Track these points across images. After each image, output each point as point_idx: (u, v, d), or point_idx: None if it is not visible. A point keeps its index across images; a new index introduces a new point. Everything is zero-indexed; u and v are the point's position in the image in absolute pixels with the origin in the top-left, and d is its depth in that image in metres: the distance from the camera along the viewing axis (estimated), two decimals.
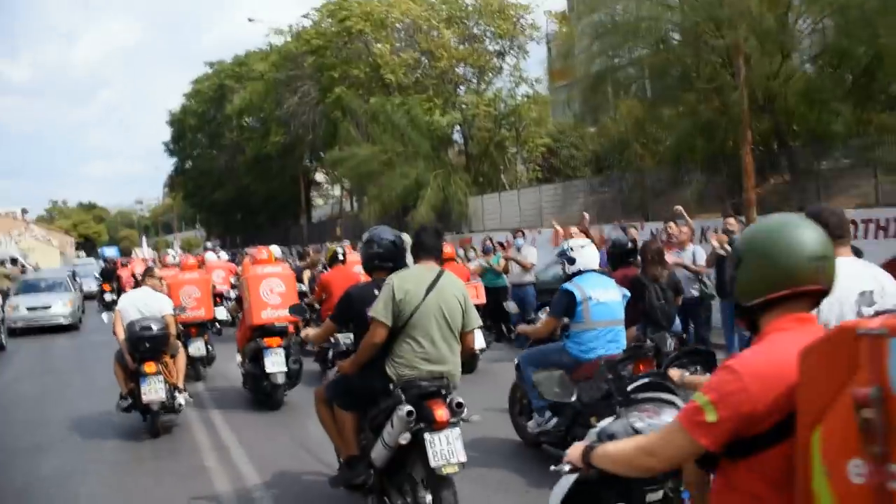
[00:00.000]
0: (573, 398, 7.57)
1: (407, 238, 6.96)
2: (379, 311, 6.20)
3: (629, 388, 5.09)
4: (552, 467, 3.52)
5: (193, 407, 12.17)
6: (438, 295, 6.29)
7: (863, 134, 22.49)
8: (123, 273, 30.91)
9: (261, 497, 8.05)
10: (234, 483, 8.55)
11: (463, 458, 5.91)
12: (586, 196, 30.69)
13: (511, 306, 13.04)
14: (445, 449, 5.83)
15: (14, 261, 62.73)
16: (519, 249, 19.29)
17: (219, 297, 18.58)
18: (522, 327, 9.32)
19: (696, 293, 13.60)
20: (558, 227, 15.56)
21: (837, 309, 4.41)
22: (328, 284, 12.28)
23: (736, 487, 2.78)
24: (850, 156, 22.49)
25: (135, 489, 8.72)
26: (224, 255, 28.76)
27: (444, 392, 6.22)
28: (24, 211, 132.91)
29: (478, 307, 7.34)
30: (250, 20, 46.40)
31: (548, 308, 8.61)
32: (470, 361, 13.15)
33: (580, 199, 30.73)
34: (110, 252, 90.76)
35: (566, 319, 8.03)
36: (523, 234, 20.40)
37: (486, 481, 7.60)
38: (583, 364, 7.78)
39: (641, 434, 3.61)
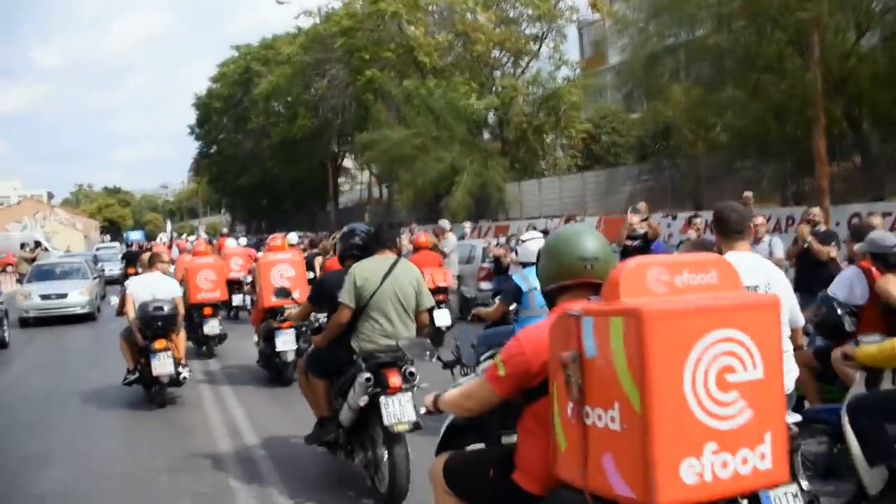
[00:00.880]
0: None
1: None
2: (343, 295, 7.21)
3: None
4: (421, 411, 4.56)
5: (207, 383, 13.46)
6: (393, 281, 7.26)
7: None
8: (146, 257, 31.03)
9: (264, 466, 8.66)
10: (238, 453, 9.21)
11: (413, 418, 6.83)
12: (633, 184, 29.19)
13: None
14: (398, 410, 6.85)
15: (38, 244, 61.95)
16: None
17: (236, 284, 19.48)
18: (478, 310, 9.75)
19: None
20: (631, 216, 14.31)
21: None
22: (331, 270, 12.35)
23: (524, 426, 3.78)
24: None
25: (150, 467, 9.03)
26: (244, 241, 28.86)
27: (399, 363, 7.15)
28: (49, 195, 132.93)
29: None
30: (279, 2, 45.16)
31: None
32: (436, 336, 13.55)
33: (626, 186, 29.28)
34: (135, 236, 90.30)
35: (514, 305, 8.41)
36: (577, 221, 18.91)
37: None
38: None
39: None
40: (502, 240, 22.11)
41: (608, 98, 41.01)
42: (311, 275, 15.79)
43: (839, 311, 7.00)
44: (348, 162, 66.29)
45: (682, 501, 2.97)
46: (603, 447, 3.10)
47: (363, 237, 7.89)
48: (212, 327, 15.68)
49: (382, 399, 6.90)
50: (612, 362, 3.04)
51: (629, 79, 28.77)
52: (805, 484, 5.23)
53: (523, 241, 9.08)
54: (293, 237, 14.10)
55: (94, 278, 26.90)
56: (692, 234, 14.24)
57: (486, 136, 40.55)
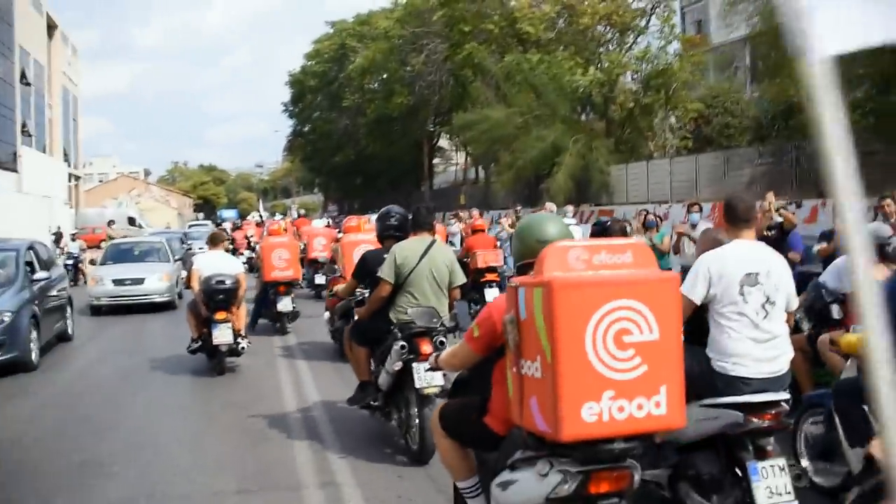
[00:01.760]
0: None
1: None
2: (384, 272, 7.91)
3: None
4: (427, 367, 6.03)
5: (283, 356, 14.39)
6: (429, 260, 7.95)
7: None
8: (237, 235, 33.19)
9: (323, 428, 9.45)
10: (305, 419, 9.96)
11: (441, 383, 7.37)
12: (752, 167, 26.73)
13: None
14: (428, 375, 7.33)
15: (132, 220, 61.80)
16: (694, 226, 15.87)
17: (320, 264, 20.68)
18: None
19: None
20: (768, 201, 12.61)
21: (725, 285, 5.52)
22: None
23: (495, 378, 4.62)
24: None
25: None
26: (322, 222, 29.32)
27: (431, 332, 7.74)
28: (146, 172, 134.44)
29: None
30: None
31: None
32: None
33: (744, 170, 26.86)
34: (229, 214, 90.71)
35: None
36: (700, 207, 16.80)
37: None
38: None
39: None
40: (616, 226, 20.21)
41: (710, 79, 38.32)
42: None
43: (827, 299, 7.50)
44: (444, 141, 64.74)
45: (581, 436, 3.71)
46: (531, 392, 3.87)
47: (398, 219, 8.84)
48: (284, 305, 16.28)
49: (415, 365, 7.65)
50: (535, 323, 3.81)
51: (742, 56, 26.28)
52: (805, 462, 6.13)
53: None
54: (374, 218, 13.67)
55: (177, 261, 23.69)
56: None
57: (590, 115, 38.20)
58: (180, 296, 22.43)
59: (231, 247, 30.87)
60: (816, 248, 10.94)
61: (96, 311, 21.11)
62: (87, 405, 11.17)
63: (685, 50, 33.49)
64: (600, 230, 10.66)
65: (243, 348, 12.90)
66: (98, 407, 11.04)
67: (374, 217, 20.37)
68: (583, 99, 35.25)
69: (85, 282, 26.90)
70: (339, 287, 10.67)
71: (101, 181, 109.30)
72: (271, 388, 11.80)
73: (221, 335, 12.39)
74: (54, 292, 15.91)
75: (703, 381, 5.37)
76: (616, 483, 4.03)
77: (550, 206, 20.91)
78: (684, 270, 13.84)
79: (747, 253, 5.66)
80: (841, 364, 6.99)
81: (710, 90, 34.52)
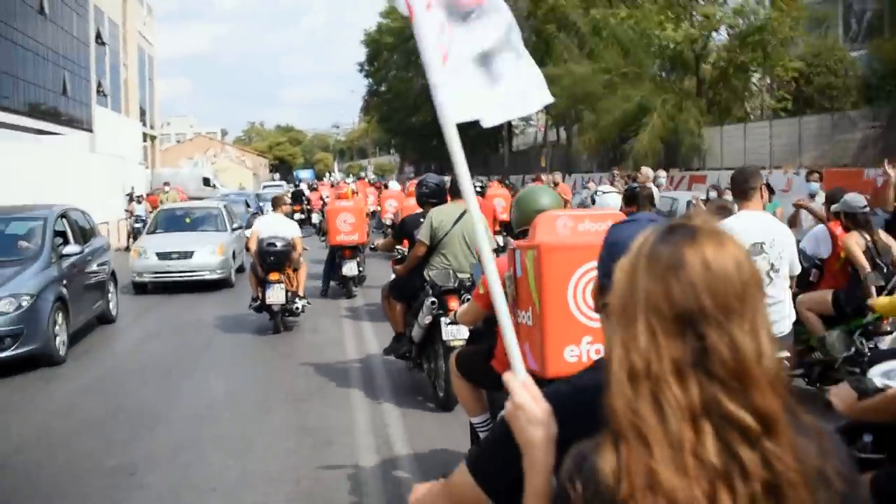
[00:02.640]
0: None
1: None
2: (422, 234, 8.75)
3: None
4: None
5: (349, 318, 14.65)
6: (462, 225, 8.58)
7: None
8: (313, 196, 34.53)
9: (379, 381, 10.15)
10: (363, 370, 10.80)
11: (466, 336, 7.51)
12: (864, 131, 24.60)
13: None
14: (454, 329, 7.99)
15: (206, 181, 61.36)
16: (813, 196, 14.17)
17: (388, 227, 20.60)
18: None
19: None
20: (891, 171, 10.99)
21: None
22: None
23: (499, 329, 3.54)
24: None
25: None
26: (396, 186, 27.81)
27: (460, 290, 8.39)
28: (223, 132, 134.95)
29: None
30: None
31: None
32: None
33: (853, 135, 24.78)
34: (305, 175, 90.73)
35: None
36: (820, 176, 14.95)
37: None
38: None
39: None
40: (713, 194, 18.48)
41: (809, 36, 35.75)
42: None
43: (805, 264, 7.64)
44: None
45: (563, 373, 3.82)
46: (524, 338, 4.29)
47: (431, 187, 9.54)
48: (350, 268, 16.46)
49: (443, 319, 8.18)
50: (528, 279, 4.30)
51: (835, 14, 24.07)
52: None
53: (603, 193, 11.42)
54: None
55: (236, 229, 20.34)
56: None
57: (679, 74, 35.79)
58: (241, 269, 20.15)
59: (307, 208, 33.75)
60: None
61: (140, 288, 18.50)
62: (124, 398, 9.89)
63: (784, 4, 31.03)
64: (630, 195, 11.30)
65: (298, 308, 13.50)
66: (137, 400, 9.76)
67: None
68: (673, 57, 33.09)
69: None
70: (379, 242, 12.09)
71: (178, 141, 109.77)
72: (336, 350, 12.12)
73: (274, 295, 12.99)
74: (93, 267, 13.96)
75: None
76: None
77: (646, 170, 19.26)
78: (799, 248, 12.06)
79: (753, 223, 6.06)
80: (817, 324, 8.29)
81: (812, 48, 32.17)
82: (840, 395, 4.16)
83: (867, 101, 28.57)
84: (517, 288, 4.43)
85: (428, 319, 8.43)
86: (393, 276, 12.53)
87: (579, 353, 4.21)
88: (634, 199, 11.69)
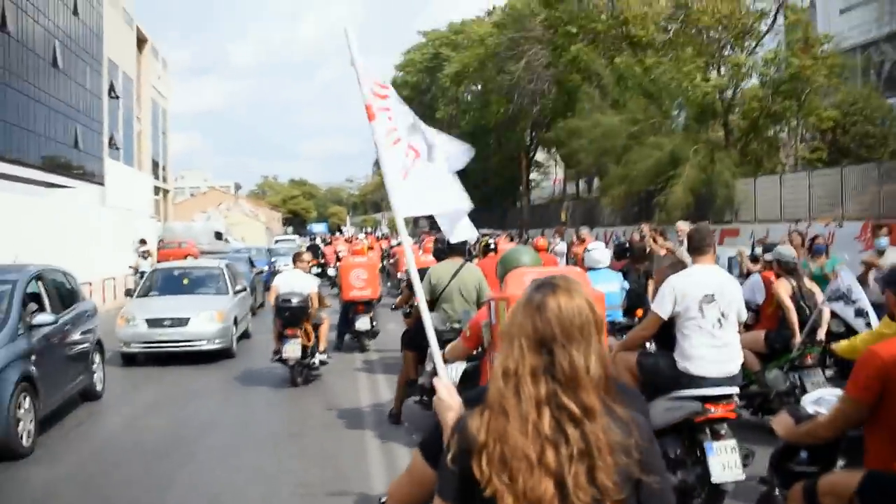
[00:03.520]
0: None
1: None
2: (423, 288, 7.83)
3: None
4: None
5: (364, 370, 15.14)
6: (459, 280, 9.41)
7: None
8: (327, 250, 35.09)
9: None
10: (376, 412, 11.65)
11: (459, 377, 7.88)
12: None
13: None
14: (454, 374, 7.79)
15: (219, 235, 60.57)
16: (882, 253, 12.98)
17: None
18: None
19: None
20: None
21: (687, 304, 6.76)
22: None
23: (483, 370, 5.87)
24: None
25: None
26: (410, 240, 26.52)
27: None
28: (237, 186, 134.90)
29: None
30: None
31: None
32: None
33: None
34: (318, 228, 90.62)
35: None
36: (889, 230, 13.72)
37: None
38: None
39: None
40: (758, 250, 17.28)
41: (846, 84, 34.66)
42: None
43: None
44: (540, 155, 62.07)
45: None
46: None
47: (442, 244, 10.58)
48: (363, 323, 16.78)
49: (448, 366, 8.23)
50: (500, 326, 4.74)
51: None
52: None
53: (589, 251, 11.91)
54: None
55: (238, 292, 18.38)
56: None
57: (714, 123, 34.34)
58: (246, 335, 18.80)
59: (322, 262, 32.60)
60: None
61: (129, 360, 16.31)
62: (110, 490, 8.54)
63: (815, 52, 29.87)
64: (621, 250, 12.52)
65: (314, 363, 13.86)
66: (125, 493, 8.44)
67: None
68: (702, 106, 31.92)
69: None
70: (398, 300, 12.78)
71: (191, 195, 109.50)
72: (351, 399, 12.73)
73: (290, 350, 13.30)
74: (75, 336, 12.11)
75: (670, 378, 6.80)
76: None
77: (682, 224, 18.16)
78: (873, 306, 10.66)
79: (705, 276, 6.91)
80: (753, 360, 9.32)
81: (848, 96, 30.98)
82: (780, 422, 5.28)
83: None
84: (493, 334, 4.93)
85: (430, 365, 8.80)
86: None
87: None
88: (624, 254, 13.25)
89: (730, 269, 16.49)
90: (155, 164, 62.13)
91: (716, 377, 6.73)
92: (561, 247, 23.43)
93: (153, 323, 16.24)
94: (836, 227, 23.07)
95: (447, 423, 3.03)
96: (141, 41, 56.89)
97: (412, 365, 10.40)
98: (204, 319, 16.41)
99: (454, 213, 4.73)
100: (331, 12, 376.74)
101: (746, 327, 8.91)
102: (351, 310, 16.96)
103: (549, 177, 68.73)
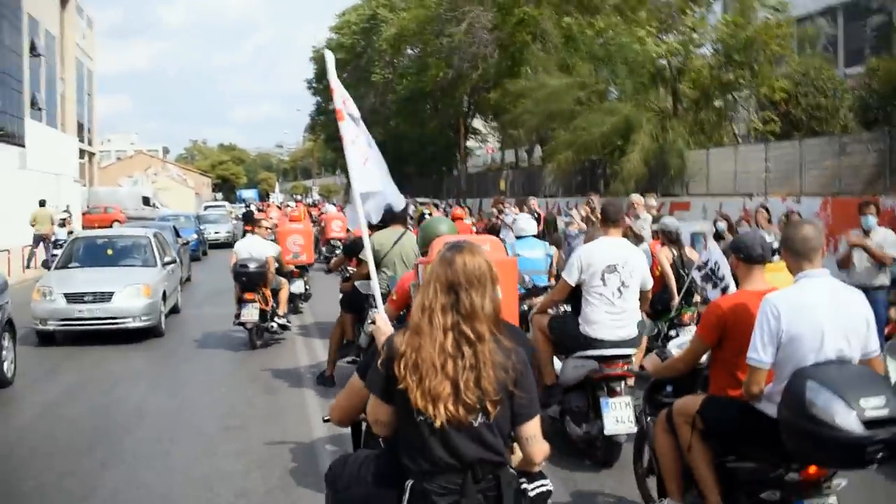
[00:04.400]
0: None
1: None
2: (364, 254, 7.50)
3: None
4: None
5: (300, 334, 15.53)
6: (400, 247, 9.62)
7: None
8: (261, 217, 31.50)
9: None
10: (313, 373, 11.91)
11: None
12: (868, 155, 22.40)
13: None
14: None
15: (146, 200, 58.64)
16: (868, 232, 11.98)
17: (333, 242, 24.42)
18: None
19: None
20: None
21: (591, 273, 7.62)
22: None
23: None
24: None
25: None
26: (332, 208, 32.22)
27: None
28: (165, 150, 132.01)
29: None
30: None
31: None
32: None
33: (850, 159, 22.58)
34: (248, 194, 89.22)
35: None
36: (876, 208, 12.66)
37: None
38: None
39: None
40: (721, 225, 16.31)
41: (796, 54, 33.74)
42: None
43: None
44: (477, 122, 60.86)
45: None
46: None
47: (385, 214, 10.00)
48: (297, 286, 17.04)
49: None
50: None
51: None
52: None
53: (516, 220, 13.07)
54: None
55: (167, 263, 16.93)
56: None
57: (662, 90, 32.90)
58: (175, 310, 17.60)
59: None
60: None
61: (46, 339, 14.77)
62: (26, 494, 7.31)
63: (769, 21, 28.88)
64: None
65: (272, 326, 14.18)
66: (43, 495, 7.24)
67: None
68: (653, 73, 30.83)
69: None
70: (332, 261, 14.62)
71: (118, 159, 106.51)
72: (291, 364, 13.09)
73: (247, 314, 13.64)
74: None
75: (573, 339, 7.81)
76: None
77: (637, 197, 17.16)
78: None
79: (610, 248, 7.81)
80: None
81: (799, 66, 30.08)
82: (649, 361, 6.45)
83: (864, 123, 26.62)
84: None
85: (370, 327, 8.58)
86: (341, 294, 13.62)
87: None
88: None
89: (693, 246, 15.67)
90: (80, 127, 59.65)
91: (612, 340, 7.68)
92: (509, 217, 22.35)
93: (73, 298, 14.67)
94: (794, 202, 22.26)
95: (381, 343, 3.99)
96: None
97: (350, 325, 10.97)
98: (129, 294, 14.90)
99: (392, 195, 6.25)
100: None
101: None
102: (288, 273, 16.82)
103: (484, 145, 67.70)
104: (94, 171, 68.11)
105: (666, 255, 10.91)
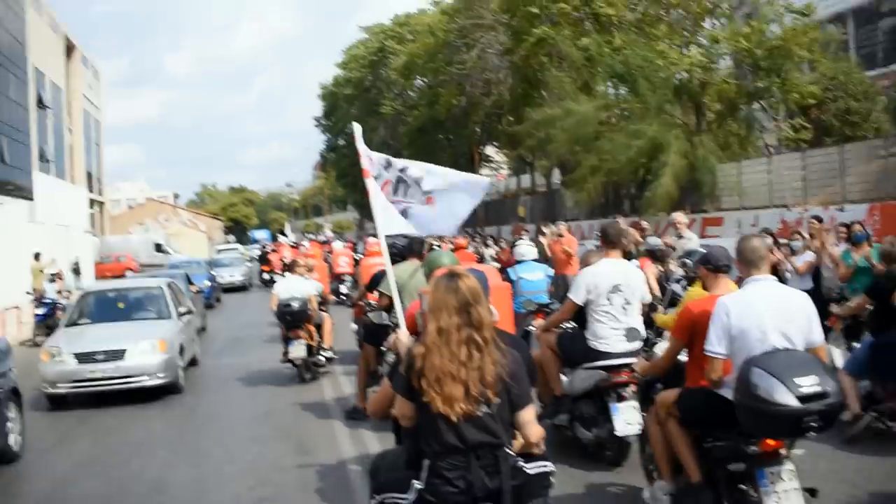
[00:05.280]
0: None
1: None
2: (384, 286, 9.55)
3: None
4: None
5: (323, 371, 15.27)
6: (415, 279, 9.10)
7: None
8: (273, 257, 35.91)
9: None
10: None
11: None
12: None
13: None
14: None
15: (158, 247, 57.83)
16: None
17: (342, 277, 26.00)
18: None
19: None
20: None
21: (597, 293, 8.16)
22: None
23: None
24: None
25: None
26: (340, 244, 32.35)
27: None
28: (175, 196, 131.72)
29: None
30: None
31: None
32: None
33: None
34: (260, 235, 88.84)
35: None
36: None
37: None
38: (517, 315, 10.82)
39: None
40: (768, 241, 15.17)
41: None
42: None
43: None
44: (490, 150, 59.92)
45: None
46: None
47: (397, 247, 10.41)
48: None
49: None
50: None
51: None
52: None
53: (516, 246, 14.23)
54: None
55: (183, 315, 15.94)
56: None
57: (686, 104, 31.76)
58: (194, 363, 16.50)
59: (270, 269, 35.87)
60: None
61: (56, 402, 13.57)
62: None
63: (795, 25, 27.84)
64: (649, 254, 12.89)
65: (323, 360, 14.77)
66: None
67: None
68: (677, 87, 29.70)
69: None
70: (354, 295, 15.04)
71: (129, 207, 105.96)
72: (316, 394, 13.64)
73: (295, 350, 14.18)
74: None
75: (583, 353, 8.34)
76: None
77: (679, 216, 15.99)
78: None
79: (613, 269, 8.32)
80: None
81: (828, 71, 28.99)
82: (638, 364, 7.91)
83: None
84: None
85: (391, 357, 8.99)
86: (354, 325, 14.40)
87: None
88: (652, 256, 13.50)
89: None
90: (90, 177, 58.94)
91: (619, 352, 8.25)
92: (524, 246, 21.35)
93: (83, 357, 13.53)
94: (836, 210, 21.17)
95: (403, 352, 5.16)
96: (70, 48, 53.86)
97: (373, 357, 11.03)
98: (144, 350, 13.72)
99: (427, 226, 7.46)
100: (267, 20, 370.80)
101: None
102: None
103: (496, 173, 66.81)
104: (106, 221, 67.39)
105: (651, 271, 11.79)
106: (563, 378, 8.81)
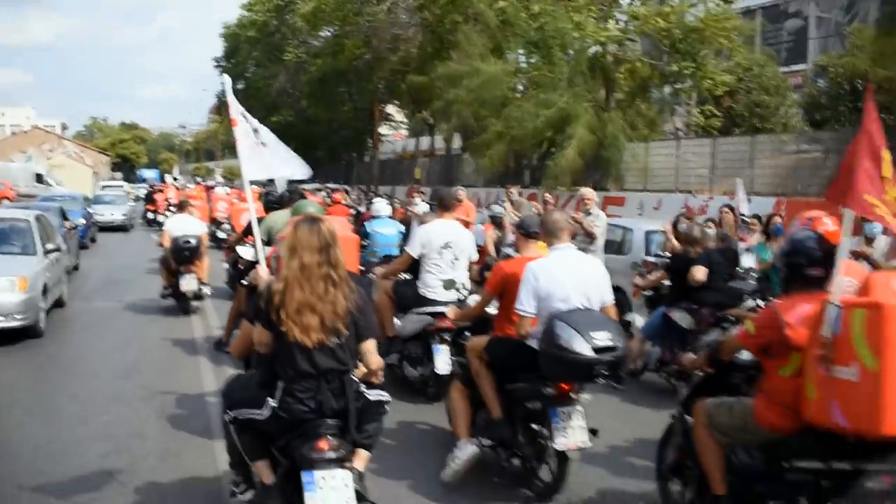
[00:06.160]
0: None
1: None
2: (261, 231, 9.19)
3: None
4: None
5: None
6: None
7: None
8: (159, 198, 37.81)
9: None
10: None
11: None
12: (812, 157, 21.14)
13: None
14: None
15: (39, 178, 55.35)
16: (871, 240, 11.27)
17: (219, 221, 25.63)
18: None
19: None
20: None
21: (429, 248, 9.30)
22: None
23: None
24: None
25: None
26: (223, 190, 31.28)
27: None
28: (63, 126, 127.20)
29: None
30: None
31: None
32: None
33: (791, 157, 21.35)
34: (149, 174, 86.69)
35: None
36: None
37: None
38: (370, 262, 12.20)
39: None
40: (682, 226, 14.64)
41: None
42: None
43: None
44: (391, 108, 58.87)
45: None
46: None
47: (275, 196, 11.63)
48: (189, 283, 16.85)
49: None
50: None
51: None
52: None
53: (373, 203, 15.83)
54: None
55: (50, 252, 14.32)
56: None
57: (598, 81, 31.06)
58: (60, 304, 15.19)
59: (154, 209, 37.17)
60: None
61: None
62: None
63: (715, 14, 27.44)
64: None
65: (205, 293, 15.65)
66: None
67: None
68: (592, 61, 29.04)
69: None
70: (232, 238, 15.06)
71: (13, 133, 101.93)
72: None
73: (187, 283, 15.03)
74: None
75: (414, 300, 9.36)
76: None
77: (588, 192, 15.17)
78: None
79: (444, 229, 9.42)
80: None
81: (743, 61, 28.74)
82: (451, 311, 9.01)
83: (813, 122, 25.39)
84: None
85: (251, 278, 9.34)
86: (225, 264, 15.51)
87: None
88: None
89: (648, 248, 14.43)
90: None
91: (444, 301, 9.24)
92: (419, 207, 20.47)
93: None
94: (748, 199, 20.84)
95: (262, 286, 5.45)
96: None
97: (244, 299, 10.96)
98: (1, 287, 12.23)
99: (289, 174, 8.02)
100: None
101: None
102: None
103: (394, 132, 65.89)
104: None
105: (490, 236, 14.42)
106: (397, 321, 9.81)
